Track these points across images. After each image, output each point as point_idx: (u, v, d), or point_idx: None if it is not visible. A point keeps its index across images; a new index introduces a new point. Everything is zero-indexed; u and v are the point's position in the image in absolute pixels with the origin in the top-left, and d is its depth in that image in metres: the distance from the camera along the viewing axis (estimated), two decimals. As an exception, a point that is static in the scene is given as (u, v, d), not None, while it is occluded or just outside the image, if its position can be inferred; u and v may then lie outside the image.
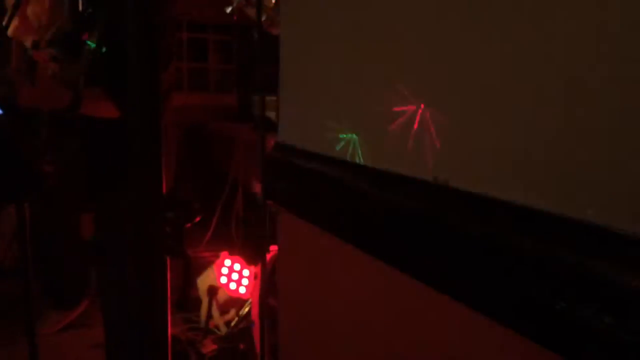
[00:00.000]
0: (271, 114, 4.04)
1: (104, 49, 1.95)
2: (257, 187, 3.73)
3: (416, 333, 0.55)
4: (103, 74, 1.89)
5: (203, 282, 2.94)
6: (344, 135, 0.65)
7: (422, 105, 0.57)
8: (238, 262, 3.04)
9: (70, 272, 2.85)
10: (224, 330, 2.82)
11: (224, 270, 3.02)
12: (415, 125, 0.56)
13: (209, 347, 2.65)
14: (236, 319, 2.85)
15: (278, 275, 0.92)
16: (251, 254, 2.85)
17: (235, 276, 3.01)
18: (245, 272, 3.01)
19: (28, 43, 2.13)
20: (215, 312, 2.85)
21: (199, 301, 2.93)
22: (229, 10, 1.68)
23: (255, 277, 2.75)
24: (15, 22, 2.20)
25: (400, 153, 0.57)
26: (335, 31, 0.68)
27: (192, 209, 1.04)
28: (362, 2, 0.64)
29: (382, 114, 0.59)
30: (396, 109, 0.55)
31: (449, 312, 0.50)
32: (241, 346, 2.69)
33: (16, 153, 1.63)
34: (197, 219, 1.17)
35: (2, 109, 2.07)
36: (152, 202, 1.00)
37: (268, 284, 2.75)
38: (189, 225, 1.37)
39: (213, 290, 2.83)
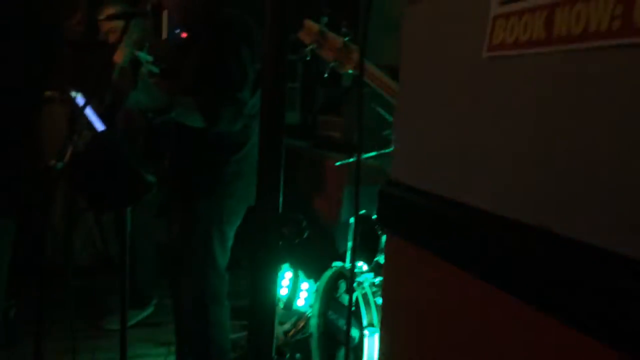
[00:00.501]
0: (332, 134, 4.18)
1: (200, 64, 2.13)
2: (319, 204, 3.87)
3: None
4: (196, 86, 2.06)
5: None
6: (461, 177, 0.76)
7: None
8: (298, 276, 3.16)
9: (144, 273, 3.03)
10: (281, 339, 2.93)
11: (284, 282, 3.14)
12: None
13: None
14: (293, 330, 2.97)
15: (385, 302, 1.01)
16: (314, 269, 2.96)
17: (294, 289, 3.13)
18: (305, 286, 3.13)
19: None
20: (273, 321, 2.97)
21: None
22: (306, 50, 1.80)
23: (316, 292, 2.86)
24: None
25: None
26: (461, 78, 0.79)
27: (301, 226, 1.17)
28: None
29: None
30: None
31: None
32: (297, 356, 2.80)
33: (123, 163, 1.80)
34: (305, 236, 1.28)
35: (105, 124, 2.27)
36: (273, 219, 1.13)
37: (328, 297, 2.86)
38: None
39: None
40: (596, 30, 0.54)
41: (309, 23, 1.73)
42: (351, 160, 3.19)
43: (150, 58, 2.18)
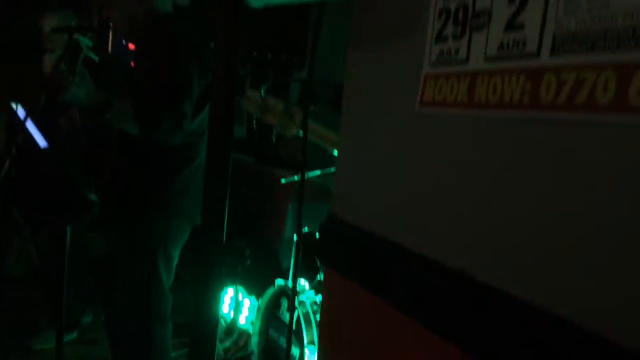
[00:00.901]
0: (279, 151, 4.22)
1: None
2: (264, 220, 3.89)
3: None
4: (136, 92, 2.03)
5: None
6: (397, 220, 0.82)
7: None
8: (240, 292, 3.17)
9: (75, 290, 2.95)
10: (221, 358, 2.93)
11: (226, 300, 3.15)
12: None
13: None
14: (234, 347, 2.97)
15: (321, 332, 1.06)
16: (257, 286, 2.98)
17: (234, 306, 3.14)
18: (247, 303, 3.14)
19: None
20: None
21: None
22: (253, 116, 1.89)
23: (258, 310, 2.88)
24: None
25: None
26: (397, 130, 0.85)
27: (245, 254, 1.20)
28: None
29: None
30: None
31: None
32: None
33: (65, 182, 1.78)
34: (249, 263, 1.31)
35: (47, 142, 2.22)
36: (216, 248, 1.16)
37: (269, 315, 2.88)
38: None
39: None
40: (509, 102, 0.61)
41: (251, 94, 1.80)
42: (297, 178, 3.25)
43: (90, 43, 2.09)
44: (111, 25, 2.84)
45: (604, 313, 0.51)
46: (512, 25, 0.61)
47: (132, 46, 3.92)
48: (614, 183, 0.51)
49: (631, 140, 0.49)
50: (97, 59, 2.14)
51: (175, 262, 2.12)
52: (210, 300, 1.17)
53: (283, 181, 3.52)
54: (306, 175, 2.96)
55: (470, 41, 0.67)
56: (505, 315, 0.59)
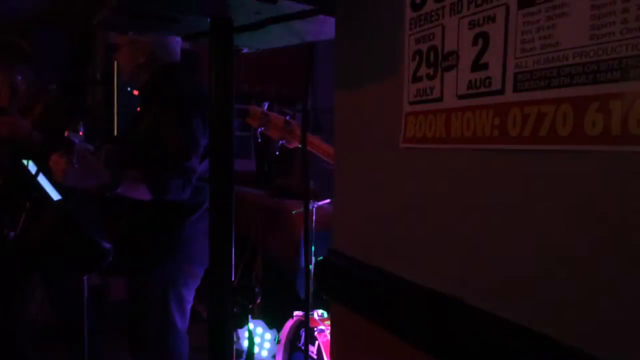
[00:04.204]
0: (287, 181, 4.27)
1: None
2: (278, 251, 3.92)
3: None
4: (142, 158, 2.07)
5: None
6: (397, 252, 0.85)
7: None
8: (260, 326, 3.19)
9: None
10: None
11: (246, 334, 3.16)
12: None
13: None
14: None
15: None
16: (276, 318, 3.00)
17: (257, 339, 3.15)
18: (267, 336, 3.15)
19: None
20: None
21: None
22: (258, 131, 1.95)
23: (278, 342, 2.90)
24: None
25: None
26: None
27: (254, 293, 1.24)
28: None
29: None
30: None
31: None
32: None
33: (79, 233, 1.83)
34: (258, 301, 1.35)
35: (61, 195, 2.28)
36: (225, 289, 1.20)
37: (290, 347, 2.89)
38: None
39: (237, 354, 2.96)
40: (482, 135, 0.65)
41: (253, 108, 1.87)
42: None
43: (82, 137, 2.10)
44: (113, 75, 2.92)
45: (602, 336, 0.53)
46: (477, 65, 0.65)
47: (136, 92, 4.02)
48: (575, 207, 0.54)
49: (589, 166, 0.53)
50: (91, 147, 2.13)
51: (189, 304, 2.16)
52: (222, 339, 1.20)
53: (294, 212, 3.57)
54: (316, 204, 3.00)
55: (442, 80, 0.71)
56: (523, 347, 0.62)
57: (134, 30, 1.70)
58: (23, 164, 2.45)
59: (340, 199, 1.00)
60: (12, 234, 2.31)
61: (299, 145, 1.89)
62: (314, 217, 3.27)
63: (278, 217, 3.91)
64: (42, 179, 2.36)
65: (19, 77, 2.58)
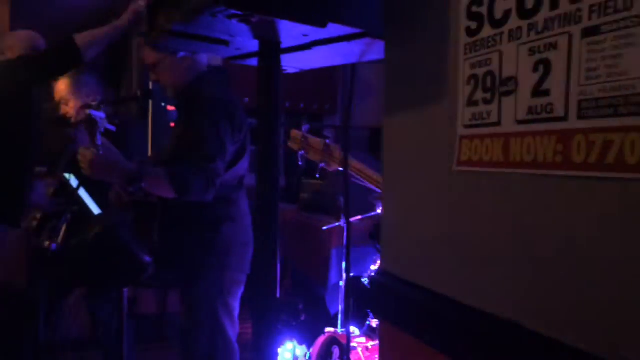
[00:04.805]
0: (316, 197, 4.28)
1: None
2: (308, 267, 3.93)
3: None
4: (168, 157, 2.13)
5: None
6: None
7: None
8: (291, 342, 3.19)
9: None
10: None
11: (279, 350, 3.16)
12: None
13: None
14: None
15: None
16: (307, 334, 3.00)
17: (288, 356, 3.15)
18: (298, 352, 3.15)
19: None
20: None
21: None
22: (299, 154, 2.01)
23: (308, 358, 2.89)
24: None
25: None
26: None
27: (298, 309, 1.25)
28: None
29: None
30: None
31: None
32: None
33: (120, 246, 1.87)
34: (303, 318, 1.35)
35: (101, 209, 2.33)
36: (270, 305, 1.22)
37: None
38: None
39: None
40: (543, 161, 0.65)
41: (294, 132, 1.91)
42: (337, 224, 3.29)
43: (102, 115, 2.16)
44: (151, 92, 2.99)
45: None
46: (538, 91, 0.66)
47: (170, 107, 4.09)
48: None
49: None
50: (114, 128, 2.20)
51: (236, 312, 2.19)
52: (266, 356, 1.21)
53: (324, 228, 3.58)
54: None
55: (500, 105, 0.72)
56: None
57: (184, 51, 1.75)
58: (65, 177, 2.51)
59: (389, 220, 1.01)
60: (53, 245, 2.37)
61: (340, 169, 1.92)
62: (344, 233, 3.27)
63: (307, 232, 3.92)
64: (83, 193, 2.42)
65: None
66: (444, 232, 0.85)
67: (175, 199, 2.00)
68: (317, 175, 2.06)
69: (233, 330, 2.16)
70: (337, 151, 1.88)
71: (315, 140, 1.91)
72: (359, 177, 1.86)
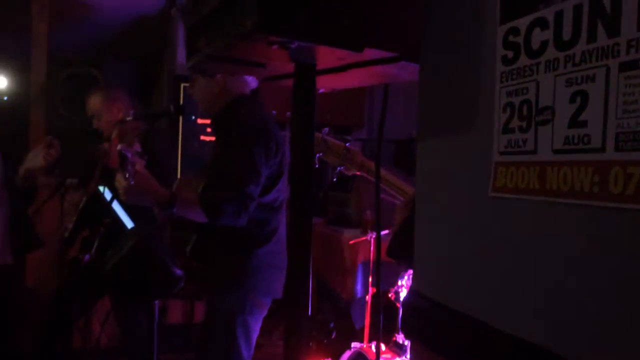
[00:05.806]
0: (344, 210, 4.29)
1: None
2: (334, 280, 3.94)
3: None
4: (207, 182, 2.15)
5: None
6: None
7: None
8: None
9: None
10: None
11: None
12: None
13: None
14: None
15: None
16: (332, 348, 3.00)
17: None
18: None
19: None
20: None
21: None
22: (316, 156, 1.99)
23: (335, 372, 2.90)
24: None
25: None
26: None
27: (329, 328, 1.26)
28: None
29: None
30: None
31: None
32: None
33: (154, 260, 1.91)
34: (334, 336, 1.37)
35: (134, 222, 2.38)
36: (302, 323, 1.23)
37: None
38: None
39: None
40: (580, 191, 0.66)
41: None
42: (365, 238, 3.30)
43: (134, 152, 2.18)
44: (183, 107, 3.05)
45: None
46: (575, 122, 0.67)
47: (200, 120, 4.15)
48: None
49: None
50: (143, 162, 2.23)
51: (255, 334, 2.19)
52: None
53: (352, 242, 3.59)
54: (375, 234, 3.01)
55: (536, 134, 0.73)
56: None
57: (222, 73, 1.78)
58: (99, 190, 2.58)
59: (421, 241, 1.02)
60: (87, 256, 2.43)
61: (358, 173, 1.91)
62: (371, 248, 3.28)
63: (334, 246, 3.93)
64: (116, 206, 2.48)
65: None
66: (477, 256, 0.86)
67: (208, 223, 2.02)
68: (335, 179, 2.04)
69: (248, 351, 2.16)
70: (358, 156, 1.88)
71: (335, 143, 1.90)
72: (386, 187, 1.86)
